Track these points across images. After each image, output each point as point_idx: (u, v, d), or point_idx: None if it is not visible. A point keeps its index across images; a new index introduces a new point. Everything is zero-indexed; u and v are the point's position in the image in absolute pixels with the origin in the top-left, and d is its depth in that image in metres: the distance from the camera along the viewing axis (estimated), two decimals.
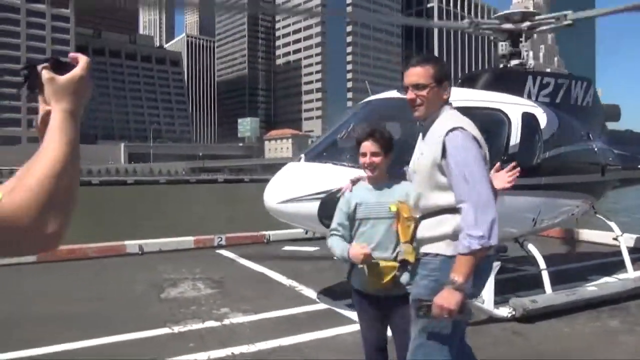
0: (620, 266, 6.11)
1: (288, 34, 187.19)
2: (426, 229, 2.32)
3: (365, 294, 2.68)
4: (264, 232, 9.79)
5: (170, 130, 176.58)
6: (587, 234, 9.17)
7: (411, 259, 2.38)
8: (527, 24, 6.44)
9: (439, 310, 2.09)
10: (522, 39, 6.40)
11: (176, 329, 4.67)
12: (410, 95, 2.32)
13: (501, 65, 6.44)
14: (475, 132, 2.28)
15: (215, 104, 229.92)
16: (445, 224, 2.25)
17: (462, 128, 2.23)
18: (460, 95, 5.38)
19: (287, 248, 9.10)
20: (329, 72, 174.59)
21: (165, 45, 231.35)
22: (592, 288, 5.52)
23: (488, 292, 4.72)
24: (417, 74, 2.32)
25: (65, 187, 0.89)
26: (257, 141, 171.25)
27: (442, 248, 2.24)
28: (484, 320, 4.74)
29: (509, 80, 6.01)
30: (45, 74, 0.98)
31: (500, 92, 5.66)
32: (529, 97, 5.90)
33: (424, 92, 2.30)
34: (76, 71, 1.00)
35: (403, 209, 2.41)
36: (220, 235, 9.27)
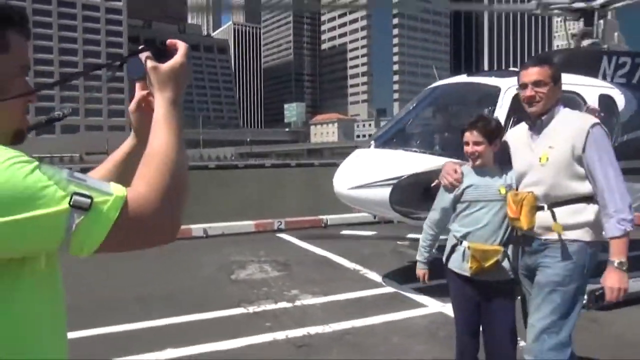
0: None
1: (333, 19, 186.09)
2: (566, 216, 2.42)
3: (463, 277, 2.72)
4: (321, 217, 9.96)
5: (218, 116, 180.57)
6: None
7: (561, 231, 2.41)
8: (600, 1, 6.17)
9: (616, 293, 2.29)
10: (596, 17, 6.13)
11: (251, 309, 4.88)
12: (530, 92, 2.48)
13: (573, 46, 6.21)
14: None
15: (261, 90, 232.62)
16: (586, 212, 2.42)
17: (600, 125, 2.41)
18: None
19: (345, 232, 9.23)
20: (374, 55, 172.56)
21: (213, 34, 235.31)
22: (630, 282, 5.29)
23: None
24: (537, 72, 2.48)
25: (180, 175, 0.90)
26: (303, 126, 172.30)
27: (581, 234, 2.41)
28: None
29: (583, 61, 5.78)
30: (149, 63, 1.00)
31: (574, 74, 5.47)
32: (604, 77, 5.68)
33: (543, 90, 2.46)
34: (177, 59, 1.01)
35: (530, 199, 2.42)
36: (280, 220, 9.50)
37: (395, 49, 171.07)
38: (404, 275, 5.94)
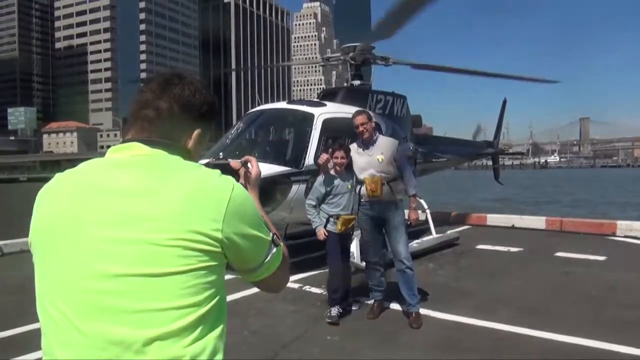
0: (428, 231, 8.65)
1: (70, 15, 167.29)
2: (394, 186, 4.93)
3: (335, 234, 4.82)
4: None
5: None
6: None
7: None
8: (361, 58, 8.60)
9: (417, 220, 5.15)
10: (352, 68, 8.56)
11: None
12: (361, 128, 4.93)
13: (350, 84, 8.47)
14: None
15: None
16: (400, 185, 5.00)
17: (399, 142, 4.97)
18: (334, 109, 7.19)
19: None
20: (120, 60, 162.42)
21: None
22: (415, 244, 7.90)
23: (355, 249, 6.54)
24: (363, 118, 4.96)
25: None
26: (34, 134, 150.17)
27: (401, 196, 5.03)
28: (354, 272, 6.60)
29: (357, 96, 8.04)
30: (244, 174, 1.47)
31: (352, 105, 7.62)
32: (370, 109, 8.01)
33: (367, 126, 4.95)
34: (256, 169, 1.48)
35: (380, 180, 4.80)
36: None
37: (143, 56, 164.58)
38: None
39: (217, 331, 1.10)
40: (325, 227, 4.88)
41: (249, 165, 1.49)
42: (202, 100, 1.24)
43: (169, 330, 1.02)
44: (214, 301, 1.09)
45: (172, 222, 1.05)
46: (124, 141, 1.20)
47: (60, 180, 1.18)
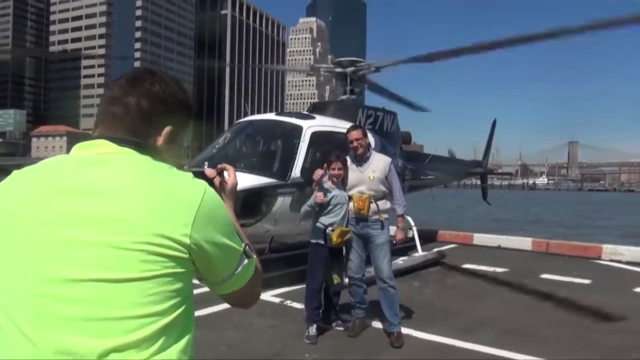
0: (414, 248, 8.59)
1: (66, 20, 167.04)
2: (382, 205, 4.66)
3: (327, 248, 4.66)
4: None
5: None
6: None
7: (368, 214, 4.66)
8: (352, 68, 8.58)
9: (401, 241, 5.12)
10: (348, 80, 8.52)
11: None
12: (355, 144, 4.86)
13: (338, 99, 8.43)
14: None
15: None
16: (388, 204, 4.95)
17: (392, 160, 4.99)
18: (323, 122, 7.15)
19: None
20: (114, 66, 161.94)
21: None
22: (401, 262, 7.83)
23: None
24: (358, 133, 4.89)
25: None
26: (23, 137, 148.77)
27: (386, 215, 4.92)
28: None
29: (347, 111, 8.01)
30: (221, 182, 1.40)
31: (342, 120, 7.59)
32: (360, 123, 7.97)
33: (362, 142, 4.88)
34: (233, 180, 1.43)
35: (369, 198, 4.62)
36: None
37: (137, 64, 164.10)
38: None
39: (182, 344, 1.01)
40: (324, 240, 4.70)
41: (225, 174, 1.42)
42: (172, 95, 1.17)
43: (128, 342, 0.94)
44: (178, 311, 1.00)
45: (137, 225, 0.97)
46: (90, 138, 1.13)
47: (17, 178, 1.09)
